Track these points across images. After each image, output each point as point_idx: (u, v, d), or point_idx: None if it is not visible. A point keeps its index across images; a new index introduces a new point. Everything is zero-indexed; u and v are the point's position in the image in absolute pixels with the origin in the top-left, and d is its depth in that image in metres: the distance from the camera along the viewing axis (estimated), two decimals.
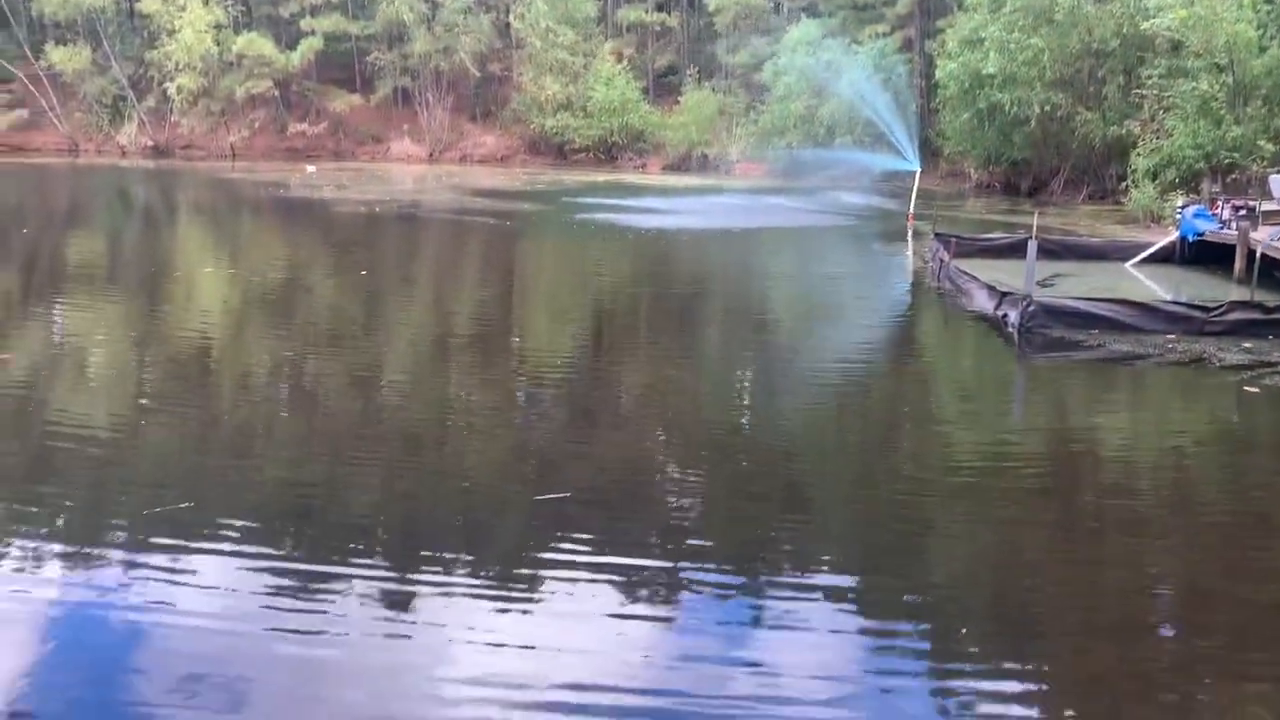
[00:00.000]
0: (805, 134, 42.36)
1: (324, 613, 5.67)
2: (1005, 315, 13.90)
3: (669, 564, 6.44)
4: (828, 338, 14.14)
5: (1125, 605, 6.16)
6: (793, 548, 6.86)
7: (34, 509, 7.13)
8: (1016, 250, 16.77)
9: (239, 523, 6.84)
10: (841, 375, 11.82)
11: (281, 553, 6.49)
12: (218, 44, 51.69)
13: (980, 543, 7.08)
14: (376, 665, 5.18)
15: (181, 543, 6.48)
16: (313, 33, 52.72)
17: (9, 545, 6.47)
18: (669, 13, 54.69)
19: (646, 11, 53.96)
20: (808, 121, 42.40)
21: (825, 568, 6.52)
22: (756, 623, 5.76)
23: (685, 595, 6.06)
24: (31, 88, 53.62)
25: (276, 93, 53.57)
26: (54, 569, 6.20)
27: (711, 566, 6.44)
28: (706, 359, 13.04)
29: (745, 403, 10.90)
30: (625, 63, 52.42)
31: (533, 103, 50.72)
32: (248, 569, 6.16)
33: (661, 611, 5.89)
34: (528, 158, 51.73)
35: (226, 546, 6.48)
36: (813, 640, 5.57)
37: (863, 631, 5.71)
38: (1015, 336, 13.26)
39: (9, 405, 9.69)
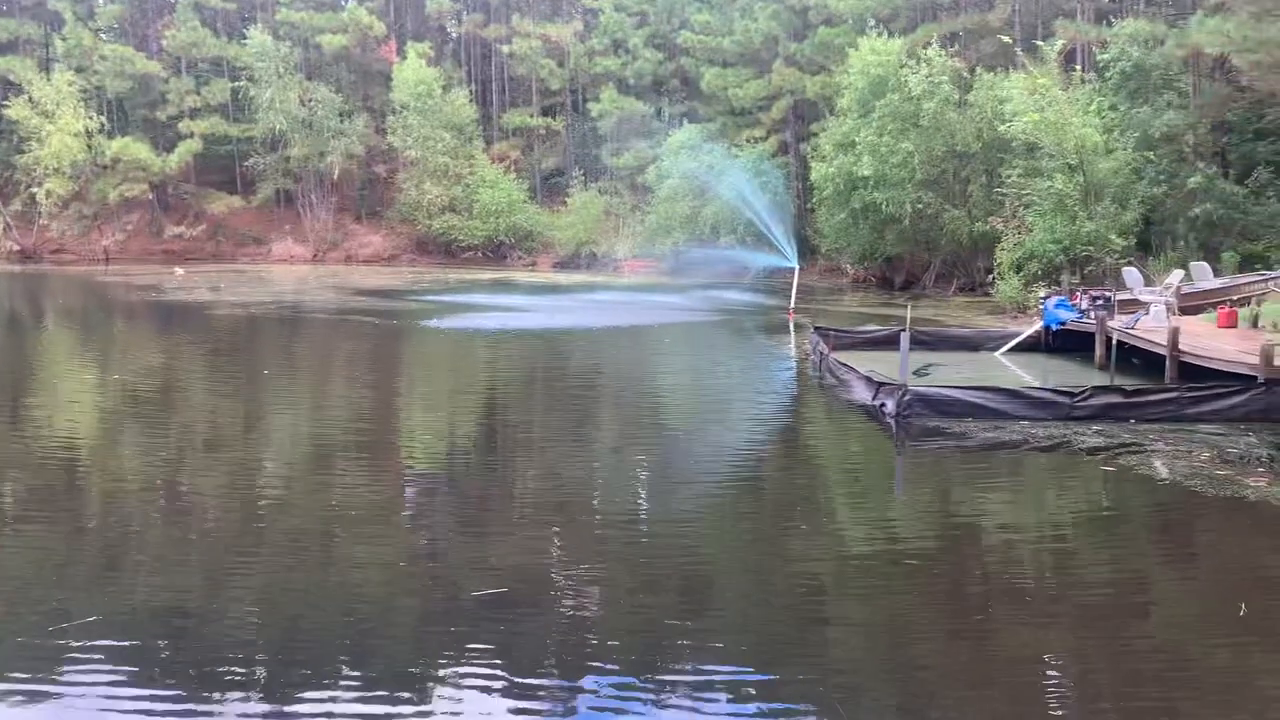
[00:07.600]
0: (690, 233, 43.44)
1: None
2: (883, 405, 14.31)
3: (569, 663, 6.37)
4: (712, 432, 14.32)
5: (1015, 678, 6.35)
6: (693, 643, 6.88)
7: None
8: (892, 342, 17.34)
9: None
10: (731, 470, 12.06)
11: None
12: (89, 149, 50.60)
13: (875, 626, 7.22)
14: None
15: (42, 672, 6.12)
16: (191, 135, 52.09)
17: None
18: (554, 117, 55.88)
19: (531, 115, 55.02)
20: (692, 221, 43.55)
21: (726, 661, 6.56)
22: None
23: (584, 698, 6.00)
24: None
25: (152, 196, 52.49)
26: None
27: (614, 666, 6.39)
28: (593, 456, 13.07)
29: (640, 499, 10.93)
30: (512, 165, 53.19)
31: (416, 205, 50.87)
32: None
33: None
34: (416, 257, 51.57)
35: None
36: None
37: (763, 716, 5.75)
38: (893, 425, 13.68)
39: None
